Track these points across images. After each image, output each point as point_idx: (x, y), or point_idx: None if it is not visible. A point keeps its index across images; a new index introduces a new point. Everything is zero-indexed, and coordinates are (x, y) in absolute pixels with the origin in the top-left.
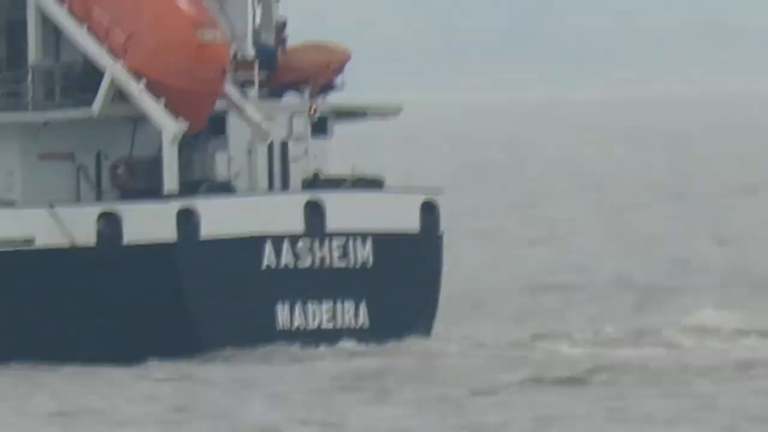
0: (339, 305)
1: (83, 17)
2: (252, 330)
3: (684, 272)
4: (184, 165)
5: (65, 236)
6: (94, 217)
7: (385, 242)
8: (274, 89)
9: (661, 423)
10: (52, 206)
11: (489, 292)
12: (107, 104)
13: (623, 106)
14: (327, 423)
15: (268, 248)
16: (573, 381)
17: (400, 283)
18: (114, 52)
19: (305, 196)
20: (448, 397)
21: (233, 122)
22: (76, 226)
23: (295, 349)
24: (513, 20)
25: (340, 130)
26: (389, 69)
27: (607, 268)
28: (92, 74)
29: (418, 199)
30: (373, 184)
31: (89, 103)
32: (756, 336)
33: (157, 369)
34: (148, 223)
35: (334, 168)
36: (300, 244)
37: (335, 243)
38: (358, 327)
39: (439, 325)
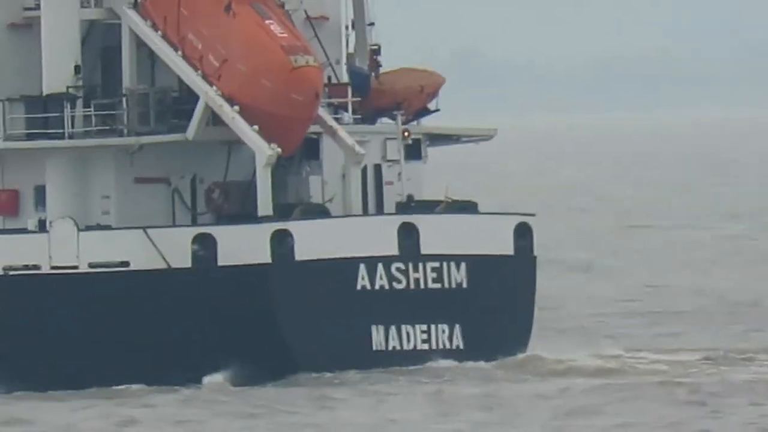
0: (433, 327)
1: (177, 43)
2: (347, 351)
3: None
4: (279, 188)
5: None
6: (190, 239)
7: (479, 264)
8: (367, 114)
9: None
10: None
11: None
12: (202, 128)
13: None
14: None
15: (363, 270)
16: None
17: (494, 305)
18: (208, 78)
19: (399, 219)
20: None
21: (327, 146)
22: (172, 248)
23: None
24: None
25: (434, 154)
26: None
27: None
28: (187, 99)
29: (512, 222)
30: (467, 207)
31: (184, 127)
32: None
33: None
34: (243, 245)
35: (428, 192)
36: (394, 266)
37: (429, 266)
38: (453, 348)
39: None
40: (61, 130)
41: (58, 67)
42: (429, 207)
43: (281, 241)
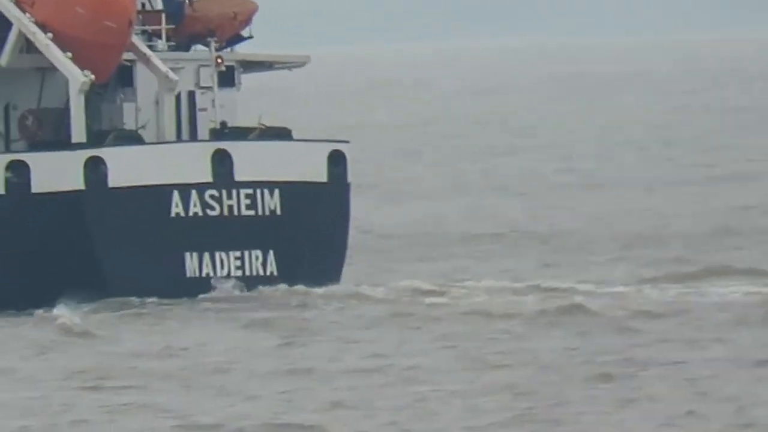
0: (247, 253)
1: None
2: (161, 278)
3: None
4: (93, 115)
5: None
6: (3, 166)
7: (293, 191)
8: (181, 41)
9: None
10: None
11: None
12: (15, 55)
13: None
14: None
15: (176, 197)
16: None
17: (308, 232)
18: (21, 4)
19: (213, 146)
20: None
21: (140, 73)
22: None
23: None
24: None
25: (247, 81)
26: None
27: None
28: (0, 27)
29: (326, 149)
30: (281, 134)
31: None
32: None
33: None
34: (56, 172)
35: (242, 119)
36: (208, 192)
37: (243, 192)
38: (267, 275)
39: None
40: None
41: None
42: (243, 134)
43: (94, 168)
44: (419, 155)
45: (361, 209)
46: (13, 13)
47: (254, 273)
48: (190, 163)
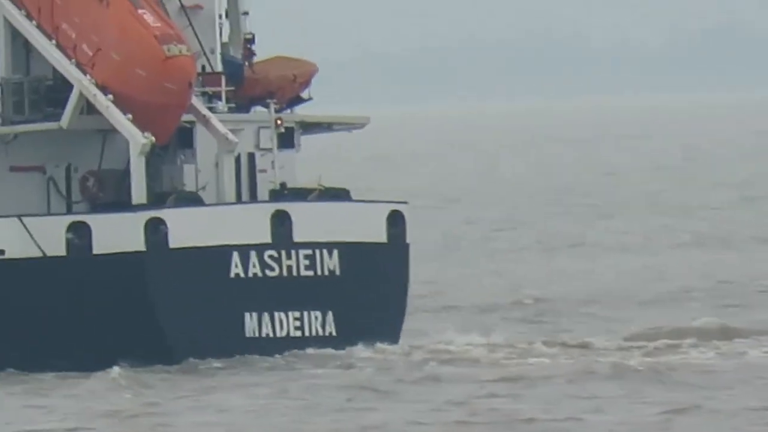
0: (306, 314)
1: (52, 32)
2: (221, 338)
3: None
4: (153, 177)
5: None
6: (64, 227)
7: (352, 252)
8: (241, 102)
9: None
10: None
11: None
12: (76, 117)
13: None
14: None
15: (236, 258)
16: None
17: (367, 292)
18: (82, 66)
19: (272, 207)
20: None
21: (200, 134)
22: (47, 236)
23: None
24: None
25: (307, 142)
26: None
27: None
28: (61, 88)
29: (385, 209)
30: (340, 194)
31: (58, 116)
32: None
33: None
34: (117, 233)
35: (301, 179)
36: (267, 253)
37: (302, 253)
38: (326, 335)
39: None
40: None
41: None
42: (302, 194)
43: (155, 229)
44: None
45: None
46: (74, 74)
47: (313, 333)
48: (249, 224)
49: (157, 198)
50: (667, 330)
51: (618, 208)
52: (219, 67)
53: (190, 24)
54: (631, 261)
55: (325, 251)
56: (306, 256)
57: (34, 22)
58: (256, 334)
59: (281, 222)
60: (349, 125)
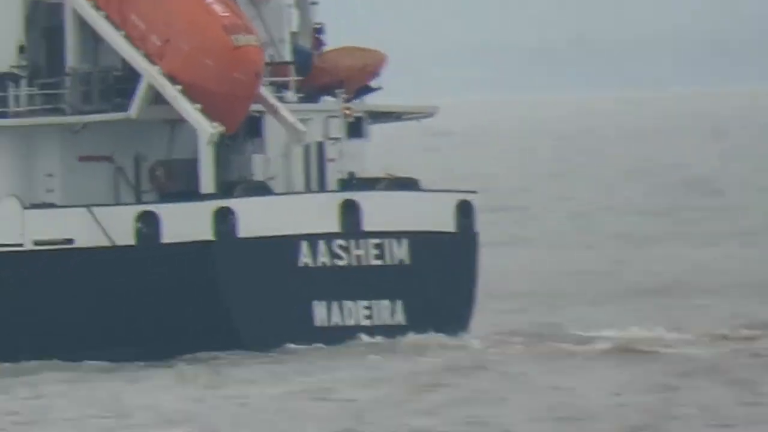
0: (375, 303)
1: (120, 23)
2: (290, 327)
3: None
4: (222, 166)
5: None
6: (134, 217)
7: (421, 241)
8: (310, 92)
9: None
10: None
11: None
12: (145, 107)
13: None
14: None
15: (305, 247)
16: None
17: (436, 282)
18: (151, 57)
19: (341, 196)
20: None
21: (269, 124)
22: (116, 226)
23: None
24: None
25: (376, 131)
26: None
27: None
28: (130, 78)
29: (454, 199)
30: (408, 184)
31: (127, 106)
32: None
33: None
34: (186, 222)
35: (370, 169)
36: (336, 242)
37: (371, 242)
38: (395, 324)
39: None
40: (5, 109)
41: (2, 47)
42: (370, 184)
43: (224, 219)
44: None
45: None
46: (142, 65)
47: (382, 322)
48: (318, 214)
49: (226, 187)
50: None
51: None
52: (288, 57)
53: (259, 14)
54: None
55: (394, 241)
56: (375, 246)
57: (102, 13)
58: (326, 323)
59: (350, 211)
60: (418, 114)
